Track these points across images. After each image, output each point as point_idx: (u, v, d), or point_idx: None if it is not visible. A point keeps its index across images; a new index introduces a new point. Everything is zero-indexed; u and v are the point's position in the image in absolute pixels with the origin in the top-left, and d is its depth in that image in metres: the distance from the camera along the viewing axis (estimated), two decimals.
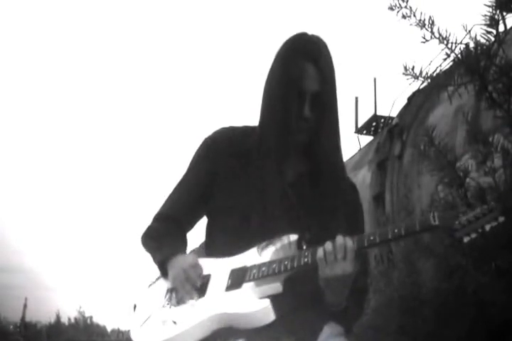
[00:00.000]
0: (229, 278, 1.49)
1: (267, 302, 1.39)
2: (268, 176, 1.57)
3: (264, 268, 1.43)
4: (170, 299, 1.56)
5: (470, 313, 2.32)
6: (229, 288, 1.47)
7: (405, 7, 2.11)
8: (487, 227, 1.24)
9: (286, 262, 1.41)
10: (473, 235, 1.26)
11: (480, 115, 2.50)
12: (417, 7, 2.10)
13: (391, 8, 2.13)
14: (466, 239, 1.27)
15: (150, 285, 1.72)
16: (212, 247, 1.65)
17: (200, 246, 2.11)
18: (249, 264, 1.48)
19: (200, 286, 1.51)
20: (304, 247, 1.44)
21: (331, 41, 1.61)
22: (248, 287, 1.44)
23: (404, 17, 2.11)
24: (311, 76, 1.52)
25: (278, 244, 1.48)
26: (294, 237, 1.47)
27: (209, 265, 1.56)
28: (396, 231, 1.32)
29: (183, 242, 1.69)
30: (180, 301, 1.53)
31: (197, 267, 1.53)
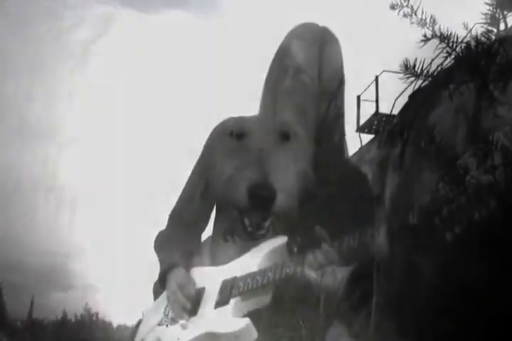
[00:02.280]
0: (218, 292, 1.50)
1: (248, 320, 1.40)
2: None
3: (249, 280, 1.45)
4: (167, 315, 1.58)
5: (469, 310, 2.33)
6: (217, 304, 1.49)
7: (406, 6, 2.13)
8: (476, 216, 1.05)
9: (269, 273, 1.42)
10: (457, 230, 1.09)
11: (480, 113, 2.51)
12: (418, 6, 2.11)
13: (392, 7, 2.14)
14: (448, 236, 1.12)
15: (154, 287, 1.73)
16: (216, 240, 1.66)
17: (206, 241, 2.12)
18: (239, 273, 1.49)
19: (191, 305, 1.51)
20: (295, 249, 1.45)
21: None
22: (235, 302, 1.46)
23: (405, 16, 2.12)
24: (294, 51, 1.55)
25: (269, 247, 1.47)
26: (283, 240, 1.47)
27: (204, 275, 1.57)
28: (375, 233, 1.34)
29: (192, 245, 1.69)
30: (173, 320, 1.54)
31: (186, 288, 1.53)
